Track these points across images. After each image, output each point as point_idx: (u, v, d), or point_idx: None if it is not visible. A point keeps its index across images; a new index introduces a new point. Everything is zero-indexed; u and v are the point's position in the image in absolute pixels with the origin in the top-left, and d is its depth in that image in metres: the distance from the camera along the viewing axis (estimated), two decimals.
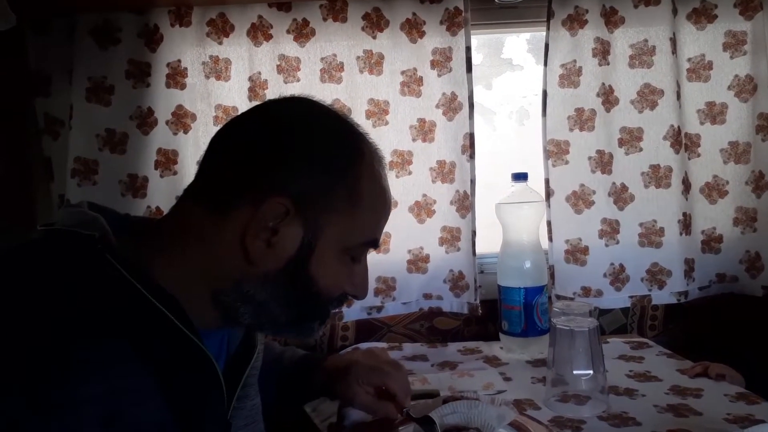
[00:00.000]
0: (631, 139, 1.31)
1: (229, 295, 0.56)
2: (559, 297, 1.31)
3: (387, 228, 1.25)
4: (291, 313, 0.58)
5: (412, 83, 1.29)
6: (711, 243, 1.34)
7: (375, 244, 0.62)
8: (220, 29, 1.26)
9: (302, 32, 1.27)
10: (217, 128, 0.61)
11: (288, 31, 1.27)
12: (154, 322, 0.49)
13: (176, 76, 1.26)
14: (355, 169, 0.58)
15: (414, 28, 1.28)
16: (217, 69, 1.27)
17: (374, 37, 1.28)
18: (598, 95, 1.30)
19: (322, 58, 1.28)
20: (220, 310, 0.56)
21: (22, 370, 0.42)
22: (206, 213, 0.55)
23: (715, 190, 1.33)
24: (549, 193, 1.32)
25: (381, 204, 0.61)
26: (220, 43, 1.26)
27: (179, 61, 1.26)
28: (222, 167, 0.57)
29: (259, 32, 1.26)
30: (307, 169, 0.55)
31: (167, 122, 1.26)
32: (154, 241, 0.56)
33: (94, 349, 0.45)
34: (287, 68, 1.27)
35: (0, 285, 0.47)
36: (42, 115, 1.25)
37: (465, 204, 1.29)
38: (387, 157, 1.29)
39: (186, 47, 1.26)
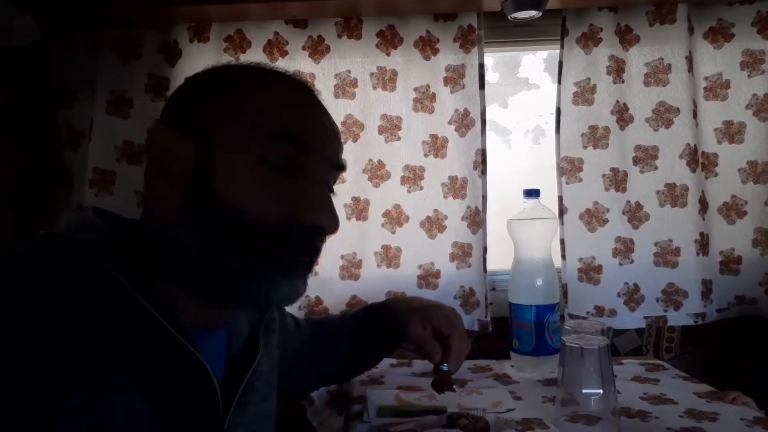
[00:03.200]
0: (646, 157, 1.29)
1: (178, 265, 0.54)
2: (572, 316, 1.29)
3: (397, 242, 1.29)
4: (235, 258, 0.51)
5: (424, 99, 1.30)
6: (729, 264, 1.31)
7: (288, 136, 0.53)
8: (238, 45, 1.29)
9: (317, 49, 1.29)
10: None
11: (303, 48, 1.29)
12: (146, 327, 0.49)
13: None
14: (238, 83, 0.56)
15: (428, 46, 1.29)
16: None
17: (388, 54, 1.29)
18: (612, 113, 1.29)
19: (337, 74, 1.30)
20: (185, 288, 0.55)
21: (13, 372, 0.42)
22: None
23: (733, 210, 1.30)
24: (562, 211, 1.30)
25: (274, 98, 0.56)
26: (237, 59, 1.29)
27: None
28: None
29: (275, 48, 1.29)
30: (182, 95, 0.58)
31: None
32: (146, 243, 0.57)
33: (85, 353, 0.45)
34: None
35: None
36: (64, 126, 1.28)
37: (476, 220, 1.29)
38: (399, 171, 1.30)
39: (204, 62, 1.28)
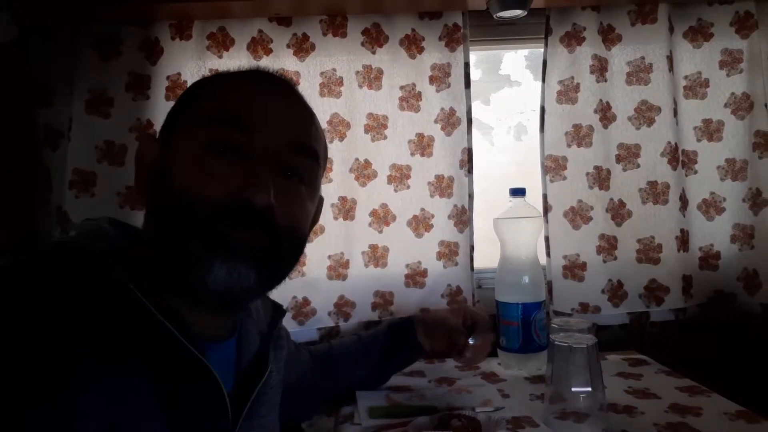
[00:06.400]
0: (628, 155, 1.31)
1: (159, 262, 0.55)
2: (557, 313, 1.30)
3: (384, 241, 1.29)
4: (189, 241, 0.51)
5: (410, 98, 1.30)
6: (709, 260, 1.34)
7: (227, 120, 0.55)
8: (221, 43, 1.27)
9: (302, 47, 1.28)
10: None
11: (288, 46, 1.28)
12: (158, 337, 0.49)
13: (176, 89, 1.26)
14: (201, 84, 0.62)
15: (413, 44, 1.29)
16: None
17: (374, 53, 1.29)
18: (595, 111, 1.30)
19: (322, 73, 1.29)
20: (173, 290, 0.54)
21: (24, 378, 0.42)
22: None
23: (712, 206, 1.33)
24: (547, 209, 1.32)
25: (217, 89, 0.59)
26: (220, 57, 1.27)
27: (179, 74, 1.26)
28: None
29: (259, 46, 1.27)
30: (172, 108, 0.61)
31: None
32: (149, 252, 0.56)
33: (96, 361, 0.45)
34: None
35: (6, 294, 0.47)
36: (43, 125, 1.25)
37: (463, 218, 1.29)
38: (385, 170, 1.30)
39: (186, 60, 1.27)
